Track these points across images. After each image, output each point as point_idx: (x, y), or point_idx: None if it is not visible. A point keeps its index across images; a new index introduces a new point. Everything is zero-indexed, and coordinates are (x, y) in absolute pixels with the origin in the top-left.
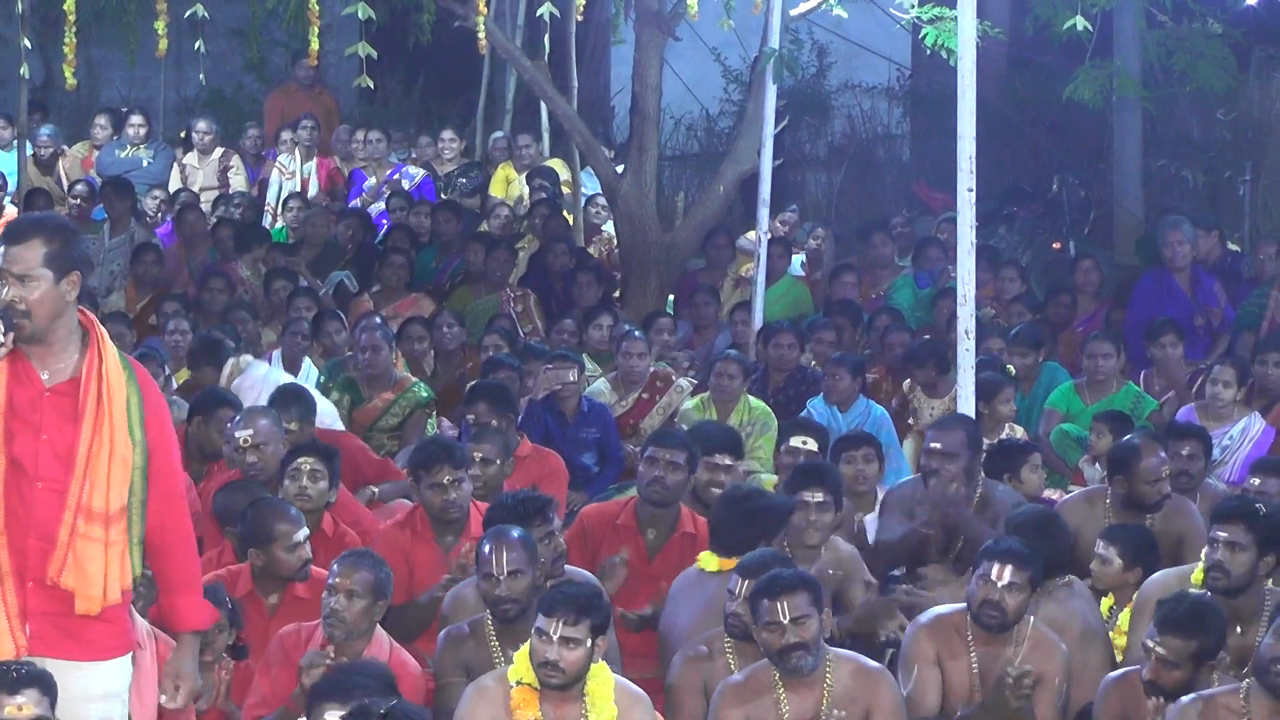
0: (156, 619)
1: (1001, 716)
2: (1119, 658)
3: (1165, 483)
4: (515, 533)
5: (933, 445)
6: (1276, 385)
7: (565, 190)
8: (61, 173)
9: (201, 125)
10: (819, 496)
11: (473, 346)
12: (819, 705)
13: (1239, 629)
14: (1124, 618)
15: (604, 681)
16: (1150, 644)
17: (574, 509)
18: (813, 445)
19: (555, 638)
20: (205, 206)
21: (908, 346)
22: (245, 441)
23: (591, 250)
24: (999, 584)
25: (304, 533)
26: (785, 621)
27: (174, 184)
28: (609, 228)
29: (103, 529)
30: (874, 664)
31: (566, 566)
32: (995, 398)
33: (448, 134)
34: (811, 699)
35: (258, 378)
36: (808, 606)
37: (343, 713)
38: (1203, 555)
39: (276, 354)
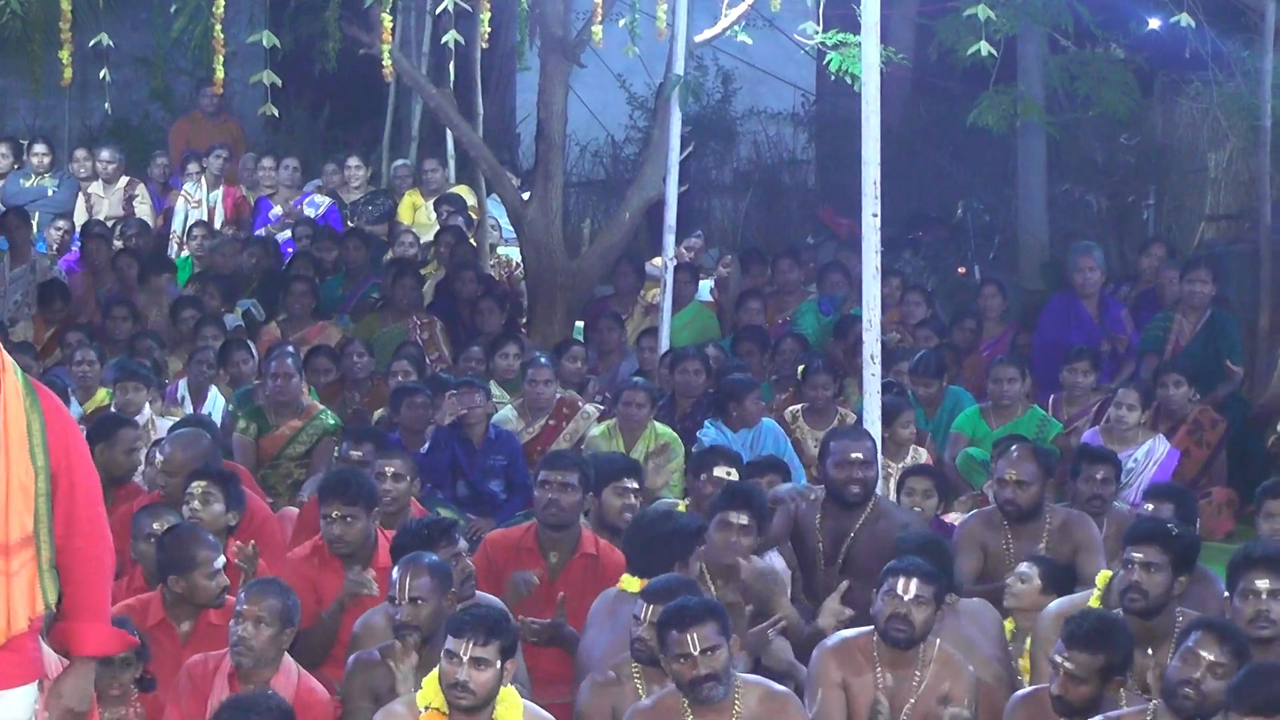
0: (58, 644)
1: None
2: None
3: (1009, 487)
4: (426, 560)
5: (853, 456)
6: (1179, 407)
7: (473, 216)
8: None
9: (105, 154)
10: (743, 519)
11: (380, 374)
12: None
13: (1150, 650)
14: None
15: (513, 706)
16: (1058, 659)
17: (481, 536)
18: (736, 475)
19: (465, 659)
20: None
21: (807, 367)
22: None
23: (491, 272)
24: (905, 597)
25: (222, 559)
26: (695, 653)
27: (79, 213)
28: (507, 250)
29: (2, 559)
30: (781, 689)
31: (481, 594)
32: (895, 421)
33: (354, 161)
34: None
35: None
36: (716, 636)
37: None
38: (1097, 582)
39: (183, 382)
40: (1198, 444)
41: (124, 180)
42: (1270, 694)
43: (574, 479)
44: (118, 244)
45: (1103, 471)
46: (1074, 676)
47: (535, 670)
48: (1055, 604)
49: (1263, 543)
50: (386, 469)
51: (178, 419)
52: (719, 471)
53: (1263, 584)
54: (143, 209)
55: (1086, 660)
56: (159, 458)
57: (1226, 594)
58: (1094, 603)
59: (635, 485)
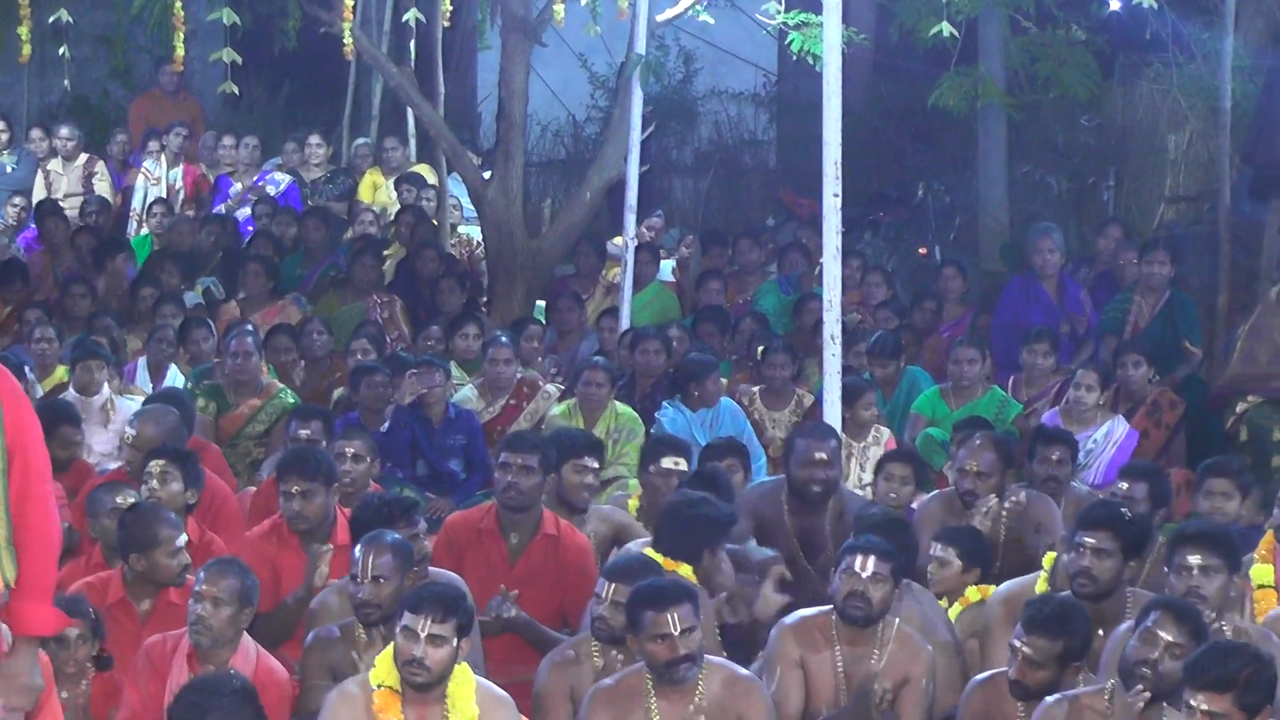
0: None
1: None
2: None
3: (969, 478)
4: (389, 538)
5: (816, 456)
6: (1138, 387)
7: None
8: None
9: (64, 131)
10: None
11: (339, 353)
12: (689, 712)
13: (1100, 632)
14: (953, 613)
15: (465, 683)
16: (1017, 644)
17: (441, 516)
18: (684, 465)
19: (423, 635)
20: (72, 214)
21: (766, 348)
22: (127, 439)
23: (451, 251)
24: (863, 575)
25: (184, 538)
26: (675, 633)
27: (38, 190)
28: (468, 230)
29: None
30: (745, 672)
31: (435, 570)
32: (857, 402)
33: (315, 139)
34: (682, 706)
35: None
36: (693, 617)
37: None
38: (1044, 564)
39: (142, 361)
40: (1156, 425)
41: (83, 158)
42: (1225, 672)
43: (534, 461)
44: (76, 220)
45: (1058, 453)
46: (1032, 661)
47: (493, 651)
48: (1004, 587)
49: (1196, 520)
50: (346, 449)
51: (137, 397)
52: (666, 462)
53: (1194, 559)
54: (102, 186)
55: (1045, 645)
56: (130, 433)
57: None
58: (1041, 585)
59: (595, 465)
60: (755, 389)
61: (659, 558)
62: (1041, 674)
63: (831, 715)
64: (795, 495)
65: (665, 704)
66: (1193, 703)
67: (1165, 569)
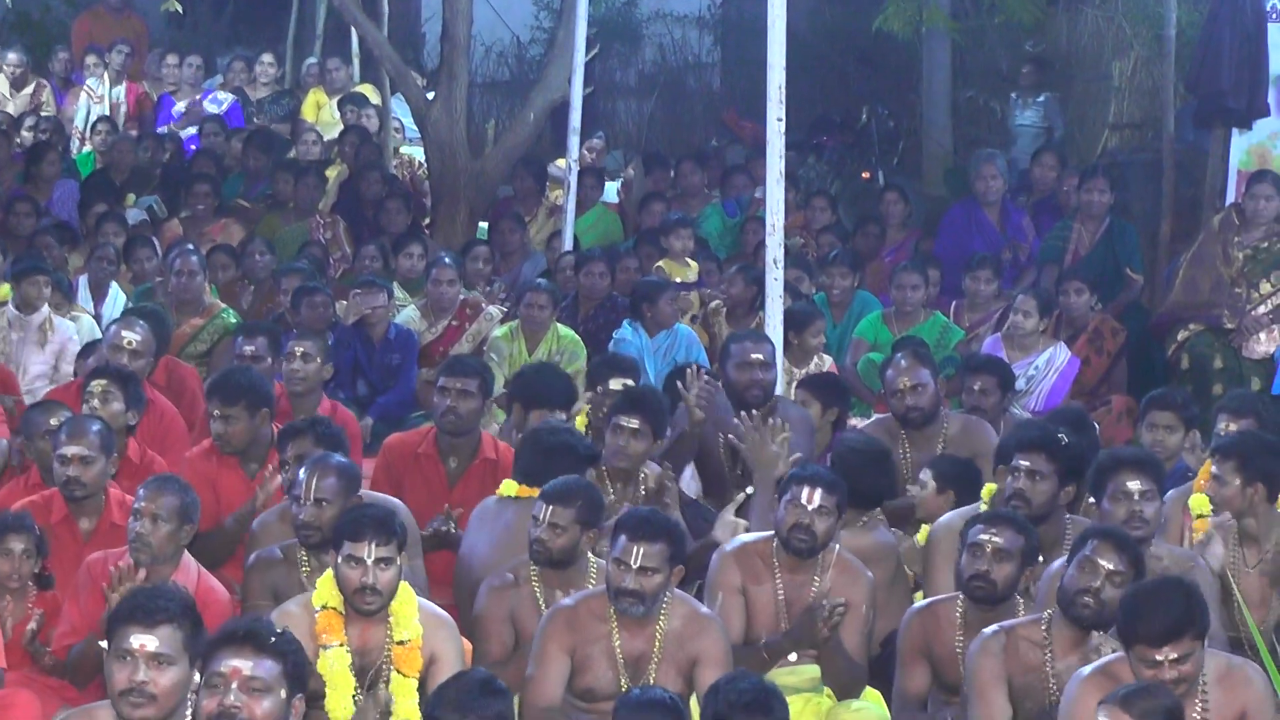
0: None
1: (808, 645)
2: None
3: (907, 395)
4: (334, 461)
5: (753, 357)
6: (1080, 314)
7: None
8: None
9: (12, 58)
10: (634, 423)
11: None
12: (651, 643)
13: (1040, 558)
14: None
15: (407, 601)
16: (983, 538)
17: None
18: (631, 384)
19: (370, 561)
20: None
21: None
22: (128, 344)
23: (394, 172)
24: (809, 507)
25: (76, 449)
26: (632, 566)
27: None
28: (410, 150)
29: None
30: (706, 611)
31: (367, 491)
32: (806, 329)
33: (268, 58)
34: (644, 637)
35: None
36: (661, 561)
37: (147, 636)
38: (983, 495)
39: (83, 279)
40: (1098, 352)
41: (33, 84)
42: (1177, 615)
43: (473, 386)
44: (28, 135)
45: (980, 382)
46: (1001, 551)
47: (430, 571)
48: (947, 517)
49: (1125, 447)
50: (296, 349)
51: (79, 315)
52: (614, 384)
53: (1134, 485)
54: (48, 113)
55: (1012, 536)
56: (129, 337)
57: (1092, 499)
58: (986, 493)
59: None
60: (718, 304)
61: (515, 486)
62: (1009, 567)
63: (775, 637)
64: (732, 401)
65: (626, 635)
66: (1158, 656)
67: (1092, 497)
